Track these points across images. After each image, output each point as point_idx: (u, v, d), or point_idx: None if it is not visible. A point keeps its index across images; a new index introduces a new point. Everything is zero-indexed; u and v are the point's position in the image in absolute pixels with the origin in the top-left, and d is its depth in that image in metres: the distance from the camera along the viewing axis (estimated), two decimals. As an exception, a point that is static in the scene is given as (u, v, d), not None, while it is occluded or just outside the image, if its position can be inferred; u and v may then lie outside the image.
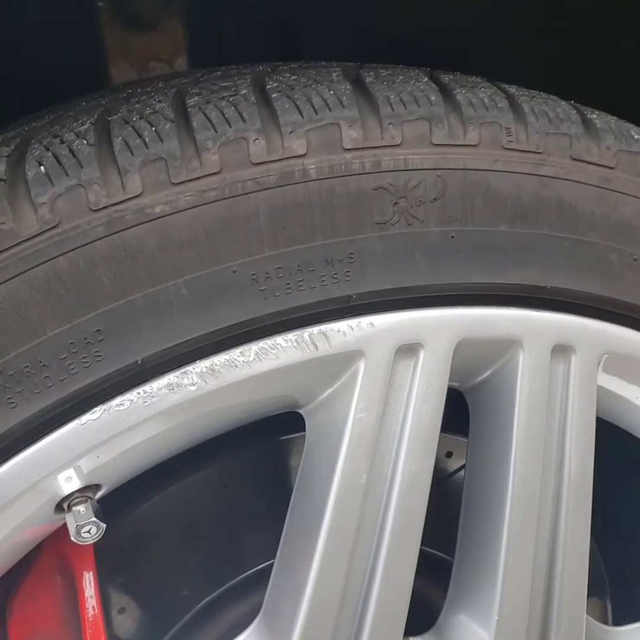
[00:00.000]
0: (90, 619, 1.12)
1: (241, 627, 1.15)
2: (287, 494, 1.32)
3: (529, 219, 0.94)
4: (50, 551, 1.16)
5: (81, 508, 0.89)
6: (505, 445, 1.03)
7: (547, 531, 1.08)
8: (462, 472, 1.37)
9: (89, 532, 0.89)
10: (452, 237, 0.92)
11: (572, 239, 0.97)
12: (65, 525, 1.03)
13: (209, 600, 1.32)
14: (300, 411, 1.02)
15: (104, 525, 0.89)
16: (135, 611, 1.31)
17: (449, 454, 1.39)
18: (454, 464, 1.39)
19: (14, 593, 1.14)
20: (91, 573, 1.15)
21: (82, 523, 0.87)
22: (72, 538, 0.89)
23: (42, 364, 0.82)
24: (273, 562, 1.30)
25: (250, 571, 1.31)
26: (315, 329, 0.90)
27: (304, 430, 1.24)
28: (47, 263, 0.81)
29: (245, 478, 1.31)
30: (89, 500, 0.91)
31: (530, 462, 1.03)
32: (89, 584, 1.14)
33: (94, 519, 0.88)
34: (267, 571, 1.34)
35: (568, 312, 1.00)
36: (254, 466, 1.32)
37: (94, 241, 0.82)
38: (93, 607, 1.13)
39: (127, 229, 0.83)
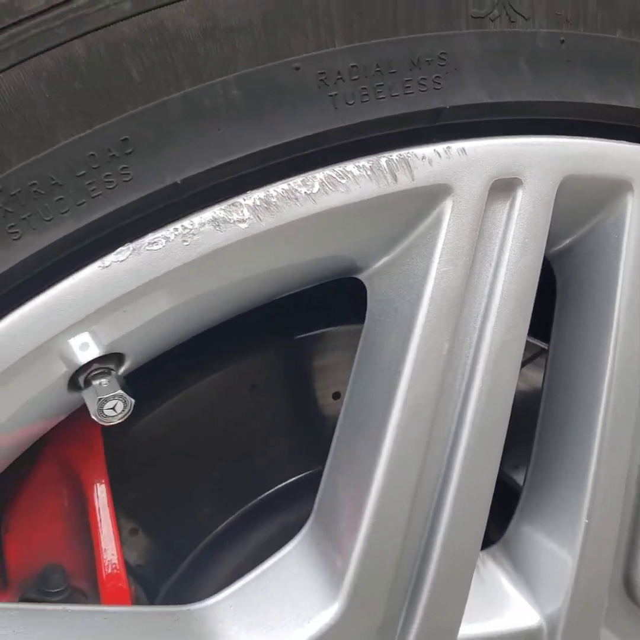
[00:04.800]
0: (104, 537, 0.95)
1: (270, 550, 1.00)
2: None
3: (650, 27, 0.77)
4: (52, 457, 0.98)
5: (103, 380, 0.71)
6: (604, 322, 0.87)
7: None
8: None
9: (113, 408, 0.71)
10: (562, 41, 0.75)
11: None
12: (70, 425, 0.86)
13: (234, 519, 1.16)
14: (360, 276, 0.84)
15: (132, 401, 0.71)
16: (149, 532, 1.14)
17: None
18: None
19: (11, 505, 0.96)
20: (103, 483, 0.97)
21: (106, 396, 0.69)
22: (93, 416, 0.70)
23: (53, 182, 0.63)
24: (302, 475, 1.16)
25: (279, 485, 1.15)
26: (394, 154, 0.72)
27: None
28: (59, 48, 0.62)
29: (276, 378, 1.15)
30: (112, 372, 0.73)
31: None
32: (100, 496, 0.97)
33: (120, 391, 0.70)
34: (299, 483, 1.20)
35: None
36: (286, 364, 1.15)
37: (119, 21, 0.63)
38: (107, 523, 0.96)
39: (163, 6, 0.64)
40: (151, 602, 1.13)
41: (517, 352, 0.81)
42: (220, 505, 1.15)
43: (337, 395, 1.15)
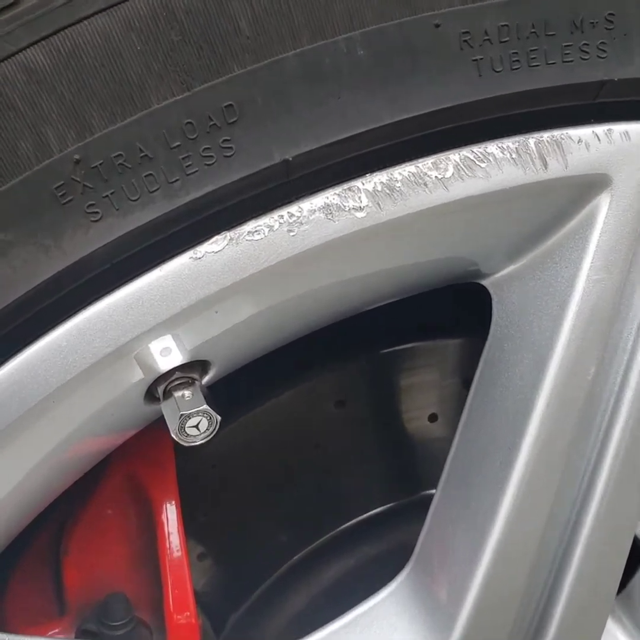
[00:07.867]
0: (172, 563, 0.85)
1: (353, 588, 0.88)
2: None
3: None
4: (118, 474, 0.89)
5: (186, 392, 0.61)
6: None
7: None
8: None
9: (197, 427, 0.60)
10: None
11: None
12: (140, 439, 0.76)
13: (312, 549, 1.05)
14: (485, 282, 0.73)
15: (219, 418, 0.61)
16: (219, 558, 1.04)
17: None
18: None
19: (72, 526, 0.87)
20: (173, 503, 0.87)
21: (188, 412, 0.59)
22: (173, 435, 0.60)
23: (142, 154, 0.54)
24: (396, 503, 1.05)
25: (368, 513, 1.04)
26: (546, 135, 0.60)
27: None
28: (154, -8, 0.53)
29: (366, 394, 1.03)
30: (196, 383, 0.63)
31: None
32: (170, 517, 0.87)
33: (205, 406, 0.60)
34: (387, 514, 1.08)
35: None
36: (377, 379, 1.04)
37: (227, -39, 0.53)
38: (176, 548, 0.86)
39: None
40: (217, 633, 1.04)
41: (673, 380, 0.69)
42: (299, 533, 1.04)
43: (433, 418, 1.04)
